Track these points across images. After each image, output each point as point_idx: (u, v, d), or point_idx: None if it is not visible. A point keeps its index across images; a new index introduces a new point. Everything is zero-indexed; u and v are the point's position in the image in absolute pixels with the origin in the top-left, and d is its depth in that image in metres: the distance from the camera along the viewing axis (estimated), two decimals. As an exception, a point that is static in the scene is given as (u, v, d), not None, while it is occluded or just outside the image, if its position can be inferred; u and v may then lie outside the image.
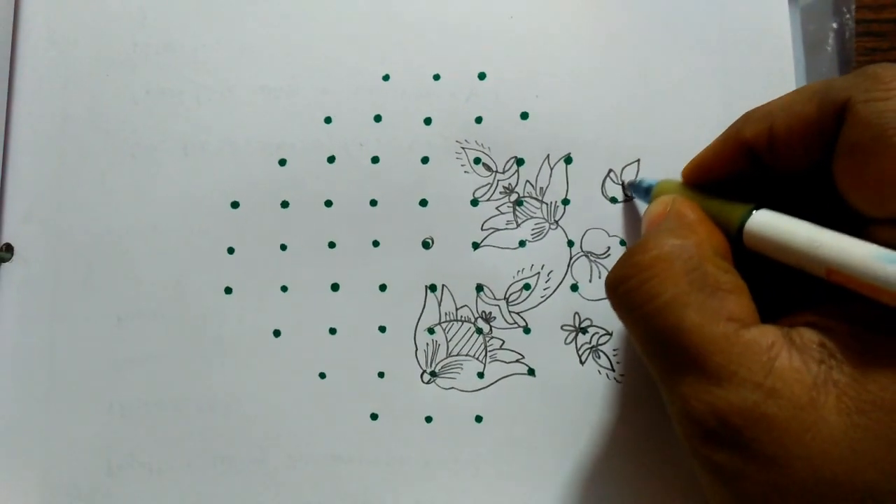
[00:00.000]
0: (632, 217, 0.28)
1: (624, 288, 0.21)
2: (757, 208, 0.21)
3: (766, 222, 0.20)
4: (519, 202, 0.29)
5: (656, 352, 0.20)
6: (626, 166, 0.28)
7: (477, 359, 0.28)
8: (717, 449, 0.19)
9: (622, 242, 0.28)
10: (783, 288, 0.21)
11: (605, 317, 0.28)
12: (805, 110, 0.20)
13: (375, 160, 0.29)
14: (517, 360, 0.28)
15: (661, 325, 0.20)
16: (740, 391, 0.18)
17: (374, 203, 0.29)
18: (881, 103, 0.18)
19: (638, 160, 0.28)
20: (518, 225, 0.28)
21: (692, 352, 0.19)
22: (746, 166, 0.22)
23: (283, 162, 0.29)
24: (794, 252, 0.19)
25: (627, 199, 0.28)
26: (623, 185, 0.28)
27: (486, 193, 0.29)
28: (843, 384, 0.18)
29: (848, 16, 0.29)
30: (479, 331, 0.28)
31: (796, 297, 0.21)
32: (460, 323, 0.28)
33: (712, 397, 0.18)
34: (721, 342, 0.19)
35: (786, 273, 0.20)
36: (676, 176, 0.25)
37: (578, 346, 0.28)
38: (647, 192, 0.26)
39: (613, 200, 0.28)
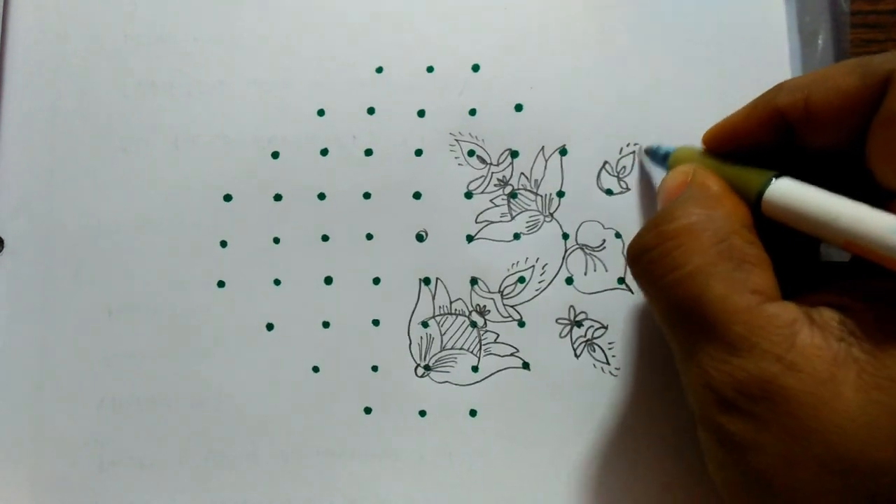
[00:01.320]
0: (628, 209, 0.28)
1: (648, 256, 0.21)
2: (777, 176, 0.21)
3: (787, 190, 0.20)
4: (513, 194, 0.28)
5: (677, 320, 0.20)
6: (621, 158, 0.28)
7: (471, 352, 0.28)
8: (732, 418, 0.19)
9: (617, 235, 0.28)
10: (802, 265, 0.21)
11: (601, 310, 0.28)
12: (845, 82, 0.20)
13: (369, 153, 0.29)
14: (512, 354, 0.28)
15: (685, 293, 0.20)
16: (760, 362, 0.18)
17: (367, 196, 0.29)
18: None
19: (633, 152, 0.28)
20: (512, 217, 0.28)
21: (714, 321, 0.19)
22: (774, 137, 0.22)
23: (275, 155, 0.29)
24: (812, 221, 0.19)
25: (624, 190, 0.28)
26: (641, 151, 0.28)
27: (480, 186, 0.28)
28: (863, 361, 0.18)
29: (844, 7, 0.28)
30: (474, 324, 0.28)
31: (814, 275, 0.21)
32: (454, 316, 0.28)
33: (732, 367, 0.19)
34: (744, 314, 0.19)
35: (805, 249, 0.20)
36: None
37: (573, 340, 0.28)
38: (664, 158, 0.26)
39: (609, 193, 0.28)
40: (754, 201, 0.21)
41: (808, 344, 0.18)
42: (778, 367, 0.18)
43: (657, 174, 0.28)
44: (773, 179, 0.21)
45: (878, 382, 0.17)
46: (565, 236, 0.28)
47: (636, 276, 0.22)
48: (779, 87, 0.22)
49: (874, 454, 0.17)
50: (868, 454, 0.17)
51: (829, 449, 0.17)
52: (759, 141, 0.22)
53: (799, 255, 0.22)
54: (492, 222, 0.28)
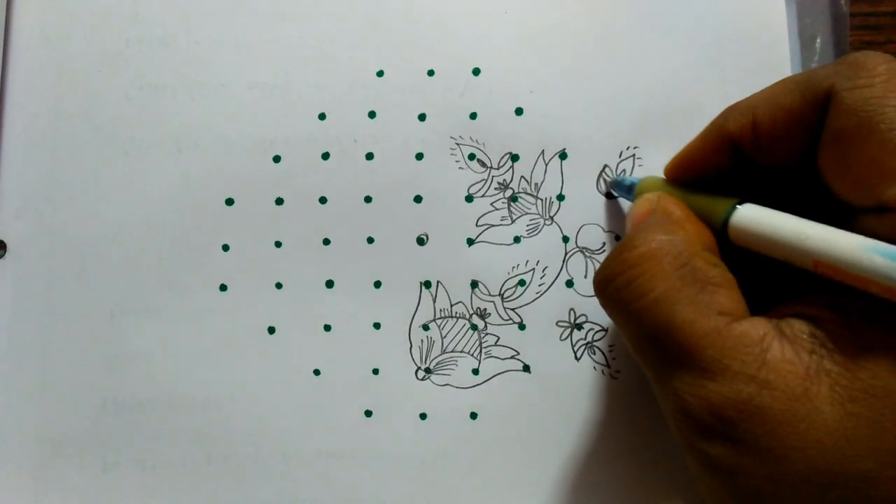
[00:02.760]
0: (627, 212, 0.28)
1: (613, 285, 0.21)
2: (741, 203, 0.21)
3: (751, 216, 0.20)
4: (514, 198, 0.28)
5: (648, 348, 0.20)
6: (621, 161, 0.28)
7: (472, 355, 0.28)
8: (712, 443, 0.19)
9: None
10: (770, 280, 0.21)
11: (601, 313, 0.28)
12: (788, 101, 0.20)
13: (370, 156, 0.29)
14: (512, 357, 0.28)
15: (653, 321, 0.20)
16: (734, 384, 0.18)
17: (368, 199, 0.29)
18: (866, 90, 0.18)
19: (633, 155, 0.28)
20: (513, 221, 0.28)
21: (684, 347, 0.19)
22: (730, 161, 0.22)
23: (277, 158, 0.29)
24: (780, 245, 0.19)
25: (610, 197, 0.28)
26: (605, 182, 0.28)
27: (480, 189, 0.28)
28: (836, 373, 0.18)
29: (844, 8, 0.28)
30: (474, 327, 0.28)
31: (783, 289, 0.21)
32: (455, 319, 0.28)
33: (706, 391, 0.19)
34: (713, 336, 0.19)
35: (772, 265, 0.20)
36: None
37: (574, 343, 0.28)
38: (629, 189, 0.26)
39: (609, 196, 0.28)
40: (720, 229, 0.21)
41: (780, 359, 0.18)
42: (752, 387, 0.18)
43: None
44: (737, 207, 0.21)
45: (852, 395, 0.17)
46: (565, 239, 0.28)
47: (604, 306, 0.22)
48: (727, 112, 0.22)
49: (854, 466, 0.17)
50: (848, 467, 0.17)
51: (810, 464, 0.17)
52: (717, 166, 0.22)
53: (767, 270, 0.22)
54: (492, 225, 0.28)
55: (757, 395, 0.18)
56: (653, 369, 0.20)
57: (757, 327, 0.19)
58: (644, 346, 0.20)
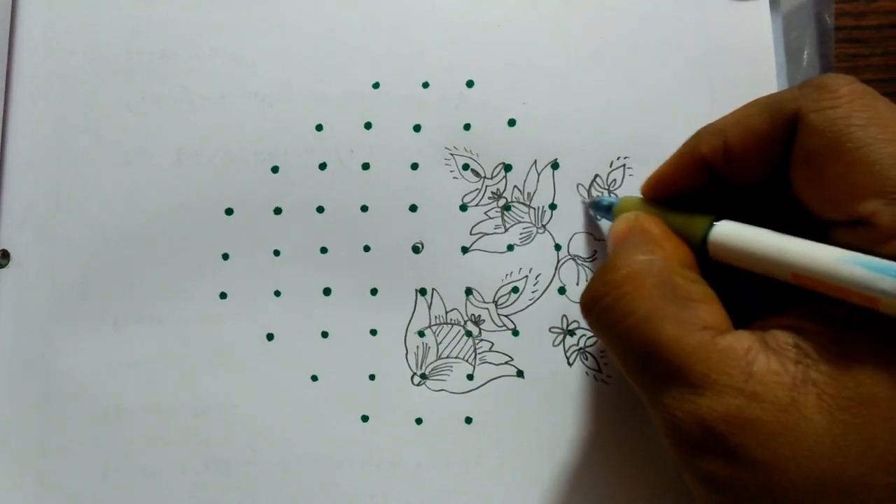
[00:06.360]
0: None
1: (599, 307, 0.21)
2: (717, 219, 0.21)
3: (729, 232, 0.21)
4: (507, 207, 0.29)
5: (637, 367, 0.21)
6: (611, 171, 0.29)
7: (466, 361, 0.29)
8: (706, 458, 0.19)
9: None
10: (751, 294, 0.22)
11: (593, 319, 0.28)
12: (757, 123, 0.21)
13: (366, 167, 0.29)
14: (506, 362, 0.29)
15: (639, 340, 0.20)
16: (722, 398, 0.18)
17: (364, 209, 0.29)
18: (831, 111, 0.19)
19: (623, 165, 0.29)
20: (506, 229, 0.29)
21: (672, 364, 0.19)
22: (704, 181, 0.23)
23: (275, 169, 0.30)
24: (759, 260, 0.20)
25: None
26: (584, 204, 0.29)
27: (474, 199, 0.29)
28: (822, 382, 0.18)
29: (829, 23, 0.29)
30: (469, 333, 0.29)
31: (765, 303, 0.21)
32: (450, 326, 0.29)
33: (695, 406, 0.19)
34: (699, 351, 0.19)
35: (752, 279, 0.21)
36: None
37: (566, 348, 0.28)
38: (608, 209, 0.27)
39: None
40: (699, 246, 0.22)
41: (766, 371, 0.18)
42: (740, 399, 0.18)
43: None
44: (714, 224, 0.21)
45: (840, 403, 0.17)
46: (558, 247, 0.29)
47: (591, 326, 0.22)
48: (699, 134, 0.22)
49: (847, 473, 0.17)
50: (841, 473, 0.17)
51: (804, 473, 0.17)
52: (692, 186, 0.23)
53: (747, 284, 0.22)
54: (486, 234, 0.29)
55: (746, 407, 0.18)
56: (643, 388, 0.21)
57: (741, 340, 0.19)
58: (633, 365, 0.21)
